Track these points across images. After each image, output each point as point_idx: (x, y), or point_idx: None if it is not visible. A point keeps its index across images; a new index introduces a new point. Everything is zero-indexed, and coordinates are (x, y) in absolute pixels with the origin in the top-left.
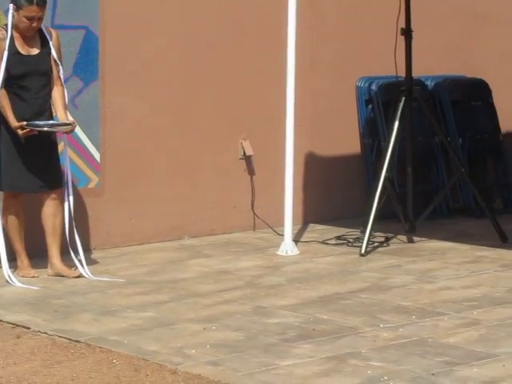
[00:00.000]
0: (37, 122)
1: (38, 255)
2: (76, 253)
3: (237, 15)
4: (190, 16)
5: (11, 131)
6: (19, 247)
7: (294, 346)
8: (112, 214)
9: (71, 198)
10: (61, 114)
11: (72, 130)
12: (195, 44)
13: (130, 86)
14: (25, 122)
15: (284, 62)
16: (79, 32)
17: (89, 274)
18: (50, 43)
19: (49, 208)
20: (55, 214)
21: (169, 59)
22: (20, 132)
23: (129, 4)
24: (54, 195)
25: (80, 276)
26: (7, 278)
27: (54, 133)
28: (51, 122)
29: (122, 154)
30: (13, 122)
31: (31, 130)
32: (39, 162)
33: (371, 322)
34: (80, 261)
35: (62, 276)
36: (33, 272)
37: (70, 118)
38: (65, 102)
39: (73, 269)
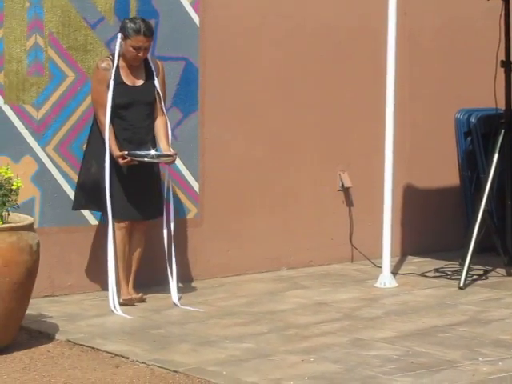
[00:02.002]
0: (138, 152)
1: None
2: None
3: (337, 48)
4: (288, 48)
5: (112, 159)
6: (123, 275)
7: (392, 378)
8: (210, 244)
9: (172, 227)
10: (163, 144)
11: (173, 162)
12: (294, 75)
13: (230, 117)
14: (126, 152)
15: (383, 94)
16: (179, 63)
17: (177, 302)
18: (155, 74)
19: (135, 238)
20: (139, 244)
21: (268, 90)
22: (121, 161)
23: (228, 35)
24: (141, 225)
25: (143, 300)
26: (112, 307)
27: (157, 163)
28: (153, 152)
29: (221, 185)
30: (115, 150)
31: (132, 160)
32: (143, 191)
33: (470, 355)
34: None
35: (133, 305)
36: (135, 295)
37: (172, 150)
38: (168, 133)
39: (140, 294)
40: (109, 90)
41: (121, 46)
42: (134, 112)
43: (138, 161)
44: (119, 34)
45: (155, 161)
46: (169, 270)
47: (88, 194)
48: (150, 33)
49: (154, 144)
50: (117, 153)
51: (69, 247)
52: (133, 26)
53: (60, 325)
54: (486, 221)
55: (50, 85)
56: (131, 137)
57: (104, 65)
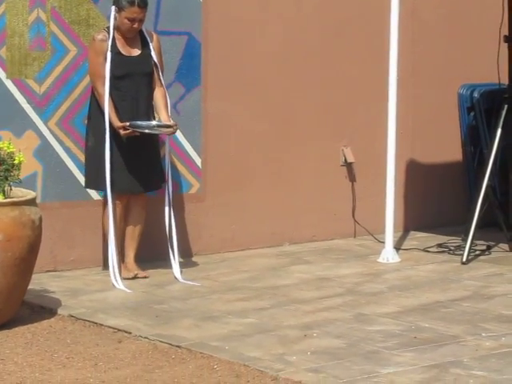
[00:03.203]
0: (139, 123)
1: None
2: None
3: (339, 23)
4: (292, 22)
5: (111, 132)
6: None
7: (395, 353)
8: (213, 219)
9: (171, 202)
10: (163, 115)
11: (173, 132)
12: (297, 50)
13: (232, 92)
14: (128, 123)
15: (386, 69)
16: (182, 38)
17: (179, 277)
18: (151, 45)
19: (134, 212)
20: (139, 219)
21: (271, 65)
22: (122, 132)
23: (231, 10)
24: (141, 200)
25: (146, 276)
26: (114, 281)
27: (157, 135)
28: (154, 122)
29: (224, 160)
30: (115, 121)
31: (133, 131)
32: (142, 163)
33: (473, 330)
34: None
35: (137, 277)
36: (138, 271)
37: (172, 121)
38: (167, 104)
39: (145, 271)
40: (106, 62)
41: (115, 18)
42: (133, 82)
43: (139, 132)
44: (113, 7)
45: (156, 132)
46: (169, 245)
47: (96, 173)
48: (144, 4)
49: (152, 115)
50: (118, 124)
51: (71, 222)
52: None
53: (62, 300)
54: (488, 196)
55: (52, 59)
56: (130, 108)
57: (100, 36)
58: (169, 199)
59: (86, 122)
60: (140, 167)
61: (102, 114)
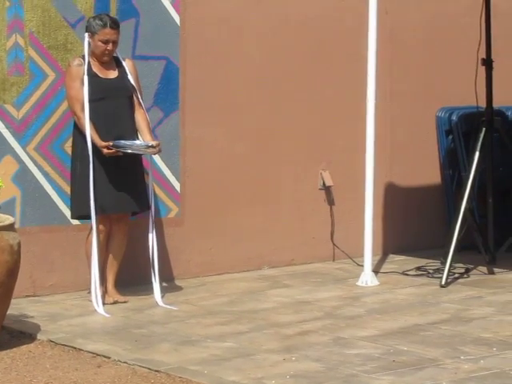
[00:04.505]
0: (123, 142)
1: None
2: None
3: (316, 46)
4: (269, 46)
5: (96, 153)
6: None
7: (374, 377)
8: (192, 243)
9: (153, 227)
10: (146, 136)
11: (156, 152)
12: (275, 74)
13: (210, 116)
14: (111, 143)
15: (364, 92)
16: (160, 63)
17: (159, 301)
18: (126, 69)
19: (116, 239)
20: (121, 246)
21: (249, 89)
22: (105, 151)
23: (208, 35)
24: (123, 225)
25: (126, 301)
26: (95, 306)
27: (140, 155)
28: (138, 142)
29: (202, 184)
30: (98, 141)
31: (117, 151)
32: (128, 185)
33: (452, 353)
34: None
35: (117, 302)
36: (117, 297)
37: (155, 141)
38: (149, 125)
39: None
40: (83, 85)
41: (89, 44)
42: (111, 104)
43: (122, 152)
44: (86, 34)
45: (139, 152)
46: (152, 269)
47: (84, 199)
48: (116, 25)
49: (135, 137)
50: (101, 143)
51: (50, 247)
52: (98, 21)
53: (41, 324)
54: (467, 219)
55: (30, 84)
56: (111, 129)
57: (76, 62)
58: (152, 224)
59: (69, 150)
60: (125, 188)
61: (85, 140)
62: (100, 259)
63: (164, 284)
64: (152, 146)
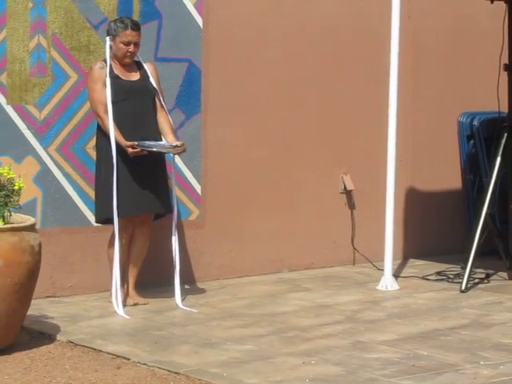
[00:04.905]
0: (148, 143)
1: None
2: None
3: (339, 50)
4: (291, 49)
5: (120, 155)
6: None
7: (393, 381)
8: (212, 246)
9: (176, 230)
10: (170, 137)
11: (181, 152)
12: (297, 77)
13: (232, 118)
14: (136, 142)
15: (386, 96)
16: (182, 65)
17: (180, 303)
18: (148, 71)
19: (139, 241)
20: (142, 249)
21: (271, 92)
22: (130, 150)
23: (231, 36)
24: (145, 230)
25: (146, 303)
26: (116, 307)
27: (163, 159)
28: (162, 142)
29: (223, 187)
30: (123, 141)
31: (141, 150)
32: (151, 187)
33: (471, 359)
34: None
35: (137, 304)
36: (138, 299)
37: (179, 141)
38: (172, 127)
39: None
40: (106, 87)
41: (111, 48)
42: (134, 106)
43: (147, 151)
44: (107, 38)
45: (164, 151)
46: (174, 271)
47: (107, 204)
48: (137, 27)
49: (159, 139)
50: (126, 143)
51: (71, 248)
52: (119, 23)
53: (61, 325)
54: (488, 224)
55: (52, 85)
56: (135, 130)
57: (98, 65)
58: (175, 227)
59: (90, 152)
60: (149, 191)
61: (109, 142)
62: (121, 261)
63: (185, 286)
64: (177, 146)
